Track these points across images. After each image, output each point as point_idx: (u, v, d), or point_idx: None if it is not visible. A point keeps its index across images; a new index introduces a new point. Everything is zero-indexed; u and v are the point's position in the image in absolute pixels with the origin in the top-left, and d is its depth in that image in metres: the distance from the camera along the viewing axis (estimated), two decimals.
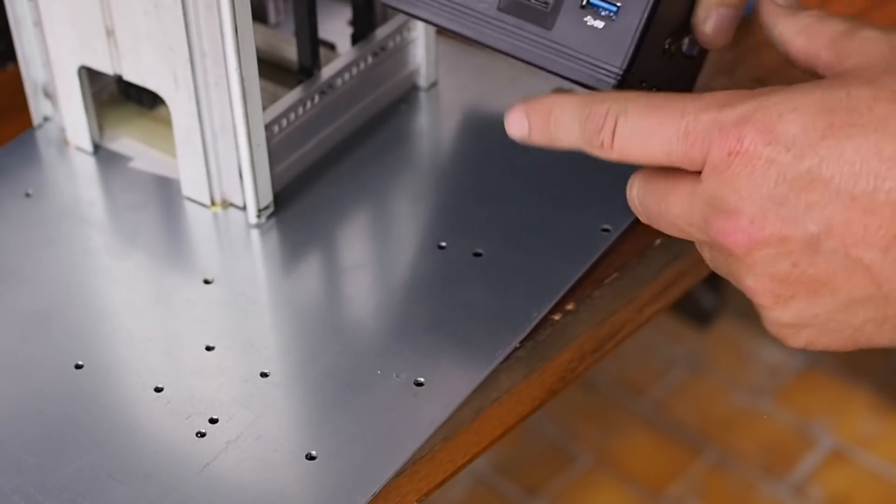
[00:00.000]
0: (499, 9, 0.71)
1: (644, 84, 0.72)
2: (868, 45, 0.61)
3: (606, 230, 0.80)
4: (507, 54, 0.71)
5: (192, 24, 0.74)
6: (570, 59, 0.70)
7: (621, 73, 0.69)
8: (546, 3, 0.70)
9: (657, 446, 1.75)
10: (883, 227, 0.55)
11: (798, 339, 0.61)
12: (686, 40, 0.73)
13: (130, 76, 0.80)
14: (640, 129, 0.60)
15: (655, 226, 0.64)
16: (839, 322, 0.59)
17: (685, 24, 0.72)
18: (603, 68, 0.69)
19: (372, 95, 0.87)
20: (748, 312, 1.84)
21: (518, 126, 0.66)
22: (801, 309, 0.59)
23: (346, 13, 0.92)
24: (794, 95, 0.57)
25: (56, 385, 0.71)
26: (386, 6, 0.74)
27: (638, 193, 0.63)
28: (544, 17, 0.70)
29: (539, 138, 0.65)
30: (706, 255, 0.63)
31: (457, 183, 0.84)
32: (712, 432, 1.75)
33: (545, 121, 0.64)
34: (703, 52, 0.77)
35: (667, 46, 0.72)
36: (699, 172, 0.59)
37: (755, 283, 0.59)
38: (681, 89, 0.77)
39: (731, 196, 0.58)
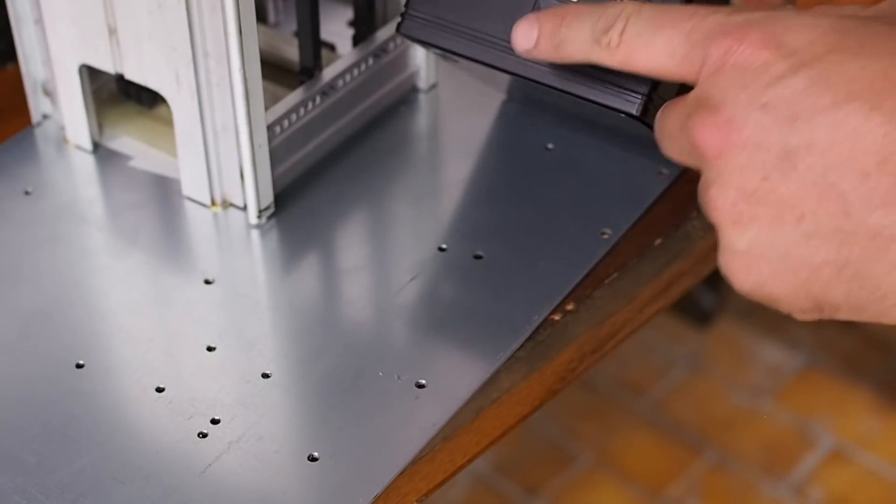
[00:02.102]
0: None
1: None
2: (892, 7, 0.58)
3: (606, 234, 0.80)
4: (533, 81, 0.71)
5: (196, 24, 0.74)
6: (596, 82, 0.70)
7: (646, 92, 0.69)
8: None
9: (657, 446, 1.75)
10: (869, 152, 0.52)
11: (748, 277, 0.56)
12: None
13: (132, 75, 0.80)
14: (648, 29, 0.58)
15: (662, 146, 0.61)
16: (797, 259, 0.55)
17: None
18: (628, 89, 0.69)
19: (372, 97, 0.87)
20: (748, 312, 1.86)
21: (526, 36, 0.65)
22: (759, 235, 0.55)
23: (346, 14, 0.92)
24: (808, 15, 0.55)
25: (57, 384, 0.71)
26: (407, 38, 0.75)
27: (659, 113, 0.61)
28: None
29: (546, 45, 0.64)
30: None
31: (457, 185, 0.84)
32: (712, 432, 1.75)
33: (556, 25, 0.63)
34: None
35: None
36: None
37: (718, 193, 0.55)
38: None
39: (717, 94, 0.55)
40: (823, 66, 0.53)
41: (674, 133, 0.58)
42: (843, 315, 0.56)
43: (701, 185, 0.57)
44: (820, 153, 0.53)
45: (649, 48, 0.59)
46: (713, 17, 0.57)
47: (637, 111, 0.69)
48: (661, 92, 0.69)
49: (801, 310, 0.57)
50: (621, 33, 0.59)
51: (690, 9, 0.58)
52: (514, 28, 0.65)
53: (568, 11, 0.62)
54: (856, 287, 0.54)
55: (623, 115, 0.70)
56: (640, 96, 0.69)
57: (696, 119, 0.56)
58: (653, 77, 0.60)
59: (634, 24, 0.59)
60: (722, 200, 0.55)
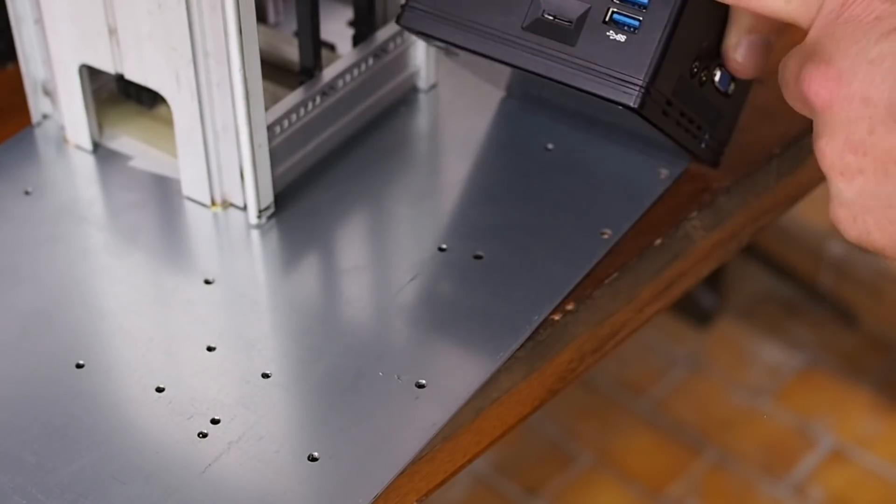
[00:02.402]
0: (523, 28, 0.71)
1: (671, 106, 0.72)
2: None
3: (606, 234, 0.80)
4: (530, 72, 0.71)
5: (196, 24, 0.74)
6: (594, 74, 0.70)
7: (644, 84, 0.69)
8: (570, 20, 0.70)
9: (657, 446, 1.75)
10: None
11: (854, 227, 0.58)
12: (718, 72, 0.73)
13: (132, 75, 0.80)
14: None
15: (785, 94, 0.62)
16: None
17: (716, 52, 0.72)
18: (626, 81, 0.69)
19: (372, 97, 0.87)
20: (748, 312, 1.86)
21: None
22: (865, 186, 0.56)
23: (346, 14, 0.92)
24: None
25: (57, 384, 0.71)
26: (408, 30, 0.75)
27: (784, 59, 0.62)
28: (568, 34, 0.70)
29: None
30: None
31: (457, 185, 0.84)
32: (712, 432, 1.75)
33: None
34: (740, 93, 0.77)
35: (695, 70, 0.72)
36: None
37: (827, 144, 0.57)
38: (718, 131, 0.77)
39: (829, 46, 0.57)
40: None
41: (790, 82, 0.60)
42: None
43: (814, 135, 0.58)
44: None
45: None
46: None
47: (635, 103, 0.69)
48: (658, 85, 0.70)
49: None
50: None
51: None
52: None
53: None
54: None
55: (621, 107, 0.70)
56: (637, 88, 0.69)
57: (807, 71, 0.57)
58: (769, 16, 0.61)
59: None
60: (830, 151, 0.57)
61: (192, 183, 0.81)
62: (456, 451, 0.69)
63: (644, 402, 1.79)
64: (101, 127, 0.86)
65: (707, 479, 1.71)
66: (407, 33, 0.86)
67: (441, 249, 0.79)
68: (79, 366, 0.72)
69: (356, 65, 0.84)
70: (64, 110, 0.85)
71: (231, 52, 0.73)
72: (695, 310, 1.85)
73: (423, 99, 0.90)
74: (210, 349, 0.73)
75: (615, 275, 0.78)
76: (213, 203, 0.81)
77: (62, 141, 0.86)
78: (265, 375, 0.71)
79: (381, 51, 0.86)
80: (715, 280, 1.83)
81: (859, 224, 0.58)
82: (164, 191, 0.83)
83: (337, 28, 0.91)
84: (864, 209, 0.57)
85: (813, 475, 1.71)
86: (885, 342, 1.85)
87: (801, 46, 0.59)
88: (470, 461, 0.71)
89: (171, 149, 0.82)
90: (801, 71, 0.58)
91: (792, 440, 1.75)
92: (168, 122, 0.81)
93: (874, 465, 1.72)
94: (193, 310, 0.75)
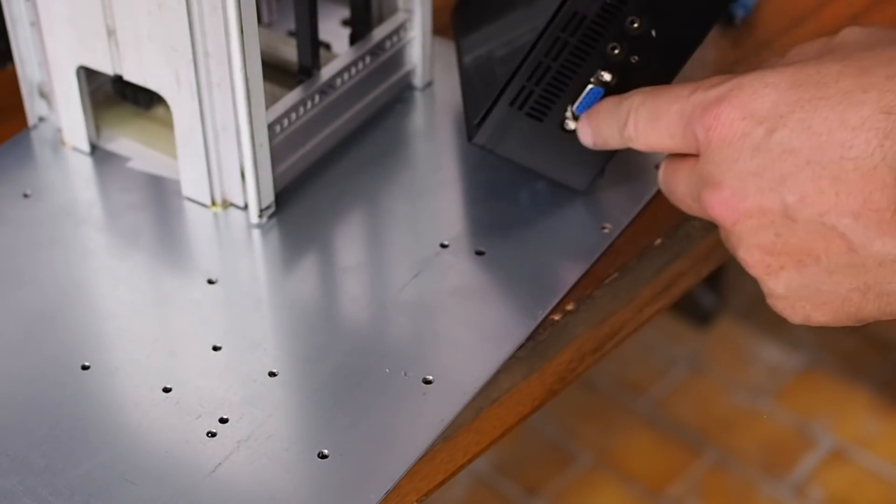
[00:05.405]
0: None
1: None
2: (847, 35, 0.65)
3: (606, 229, 0.80)
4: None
5: (196, 24, 0.74)
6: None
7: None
8: None
9: (657, 446, 1.75)
10: (852, 193, 0.58)
11: (796, 313, 0.64)
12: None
13: (131, 76, 0.79)
14: (650, 119, 0.67)
15: (675, 203, 0.68)
16: (827, 293, 0.61)
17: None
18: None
19: (369, 96, 0.87)
20: (748, 312, 1.86)
21: (584, 136, 0.74)
22: (790, 279, 0.62)
23: (340, 13, 0.92)
24: (767, 73, 0.61)
25: (63, 386, 0.71)
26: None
27: (661, 177, 0.68)
28: None
29: (598, 142, 0.73)
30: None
31: (456, 181, 0.84)
32: (712, 432, 1.75)
33: (595, 126, 0.72)
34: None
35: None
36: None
37: (746, 254, 0.63)
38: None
39: (714, 170, 0.62)
40: (791, 126, 0.60)
41: (687, 202, 0.67)
42: (887, 318, 0.62)
43: (729, 247, 0.65)
44: (812, 204, 0.59)
45: (657, 133, 0.66)
46: (694, 97, 0.64)
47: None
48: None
49: (849, 325, 0.64)
50: (634, 126, 0.68)
51: (677, 90, 0.65)
52: (577, 128, 0.74)
53: (597, 112, 0.72)
54: (884, 303, 0.61)
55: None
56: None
57: (705, 197, 0.63)
58: (661, 151, 0.68)
59: (639, 116, 0.67)
60: (750, 258, 0.63)
61: (193, 183, 0.81)
62: (456, 451, 0.69)
63: (644, 402, 1.79)
64: (98, 129, 0.86)
65: (707, 479, 1.71)
66: (403, 31, 0.87)
67: (443, 246, 0.79)
68: (84, 367, 0.72)
69: (353, 63, 0.84)
70: (61, 112, 0.85)
71: (232, 51, 0.73)
72: (695, 310, 1.85)
73: (419, 97, 0.90)
74: (216, 349, 0.73)
75: (615, 275, 0.78)
76: (214, 203, 0.81)
77: (59, 143, 0.86)
78: (272, 374, 0.71)
79: (378, 49, 0.86)
80: (715, 280, 1.83)
81: (799, 311, 0.63)
82: (163, 191, 0.83)
83: (331, 27, 0.91)
84: (798, 298, 0.63)
85: (813, 475, 1.71)
86: (885, 342, 1.85)
87: (691, 172, 0.65)
88: (470, 461, 0.70)
89: (170, 149, 0.82)
90: (699, 198, 0.64)
91: (792, 440, 1.75)
92: (165, 122, 0.81)
93: (874, 465, 1.72)
94: (197, 310, 0.75)
